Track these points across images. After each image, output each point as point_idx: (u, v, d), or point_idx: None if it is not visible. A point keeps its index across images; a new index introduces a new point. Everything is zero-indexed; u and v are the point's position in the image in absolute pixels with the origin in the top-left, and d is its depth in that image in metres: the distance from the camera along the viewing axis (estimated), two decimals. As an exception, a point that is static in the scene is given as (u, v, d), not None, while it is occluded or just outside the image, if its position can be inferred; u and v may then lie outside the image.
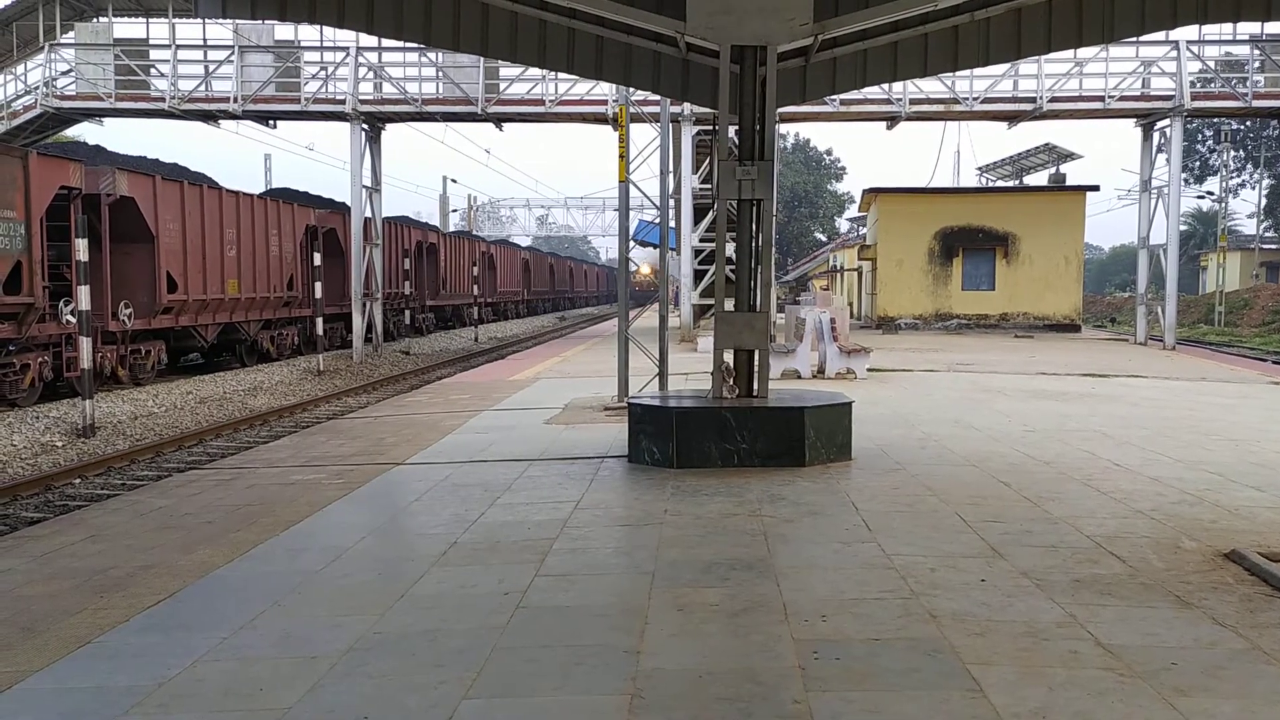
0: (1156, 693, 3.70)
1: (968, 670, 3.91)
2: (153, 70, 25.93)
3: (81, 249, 13.44)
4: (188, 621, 4.66)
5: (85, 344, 13.67)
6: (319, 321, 23.09)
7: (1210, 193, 60.69)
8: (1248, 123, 59.43)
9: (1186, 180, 56.62)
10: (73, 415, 14.21)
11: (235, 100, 24.67)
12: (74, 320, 14.30)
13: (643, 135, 60.07)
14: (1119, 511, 6.64)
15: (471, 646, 4.23)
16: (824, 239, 70.10)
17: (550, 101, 24.99)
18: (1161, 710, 3.55)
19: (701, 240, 25.31)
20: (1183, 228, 39.40)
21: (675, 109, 21.72)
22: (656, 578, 5.19)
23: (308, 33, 25.50)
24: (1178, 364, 20.62)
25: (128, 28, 27.55)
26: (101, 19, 26.46)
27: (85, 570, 5.61)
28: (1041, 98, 24.93)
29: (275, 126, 27.14)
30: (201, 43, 26.03)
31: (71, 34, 26.24)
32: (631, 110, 12.90)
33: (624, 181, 12.50)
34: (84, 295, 13.54)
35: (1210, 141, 64.89)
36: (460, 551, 5.81)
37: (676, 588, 5.02)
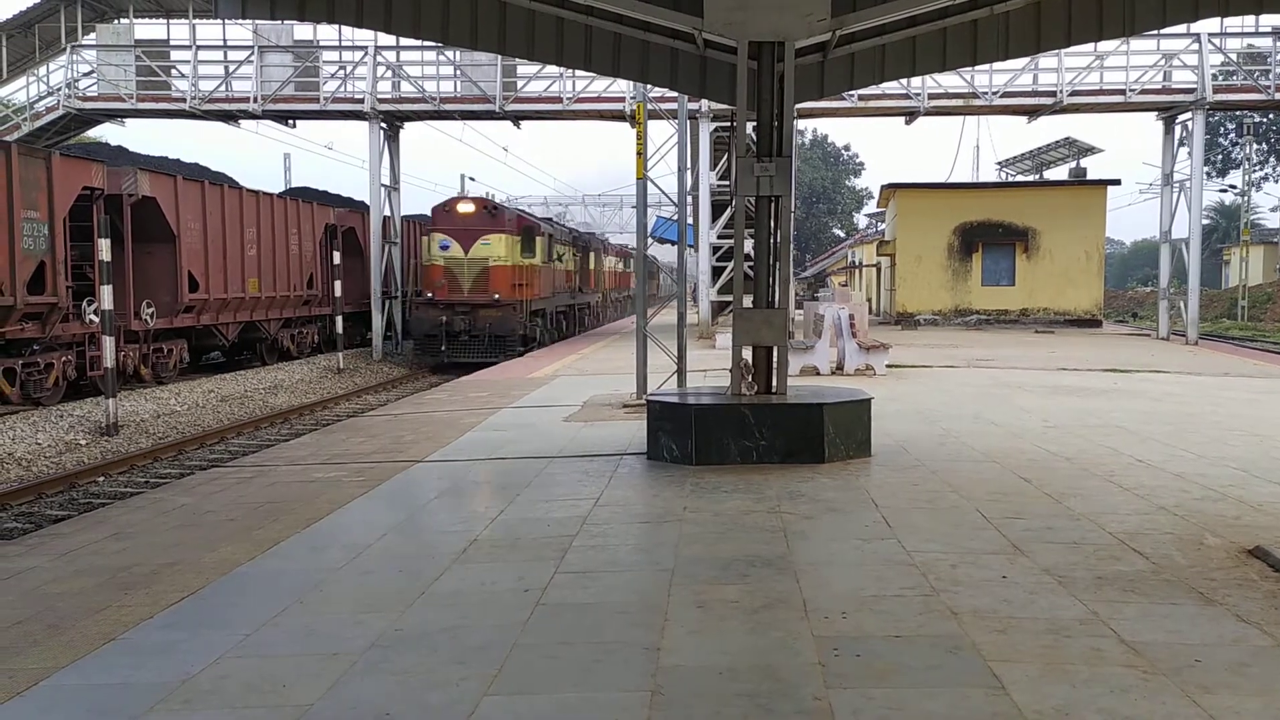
0: (1180, 690, 3.67)
1: (989, 667, 3.89)
2: (173, 71, 26.11)
3: (104, 249, 13.54)
4: (211, 619, 4.70)
5: (108, 343, 13.78)
6: (339, 320, 23.19)
7: (1233, 186, 60.12)
8: (1271, 115, 58.84)
9: (1209, 174, 56.14)
10: (96, 414, 14.34)
11: (255, 100, 24.82)
12: (97, 320, 14.41)
13: (660, 132, 59.78)
14: (1141, 508, 6.59)
15: (492, 643, 4.25)
16: (842, 235, 69.92)
17: (568, 99, 25.00)
18: (1186, 707, 3.53)
19: (720, 237, 25.26)
20: (1205, 222, 39.11)
21: (693, 105, 21.68)
22: (676, 574, 5.19)
23: (326, 32, 25.61)
24: (1200, 359, 20.45)
25: (148, 29, 27.63)
26: (122, 20, 26.63)
27: (109, 568, 5.66)
28: (1061, 91, 24.76)
29: (294, 126, 27.29)
30: (221, 43, 26.19)
31: (93, 35, 26.43)
32: (649, 107, 12.90)
33: (642, 179, 12.50)
34: (106, 295, 13.64)
35: (1233, 134, 64.27)
36: (480, 549, 5.83)
37: (696, 584, 5.02)
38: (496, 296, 23.32)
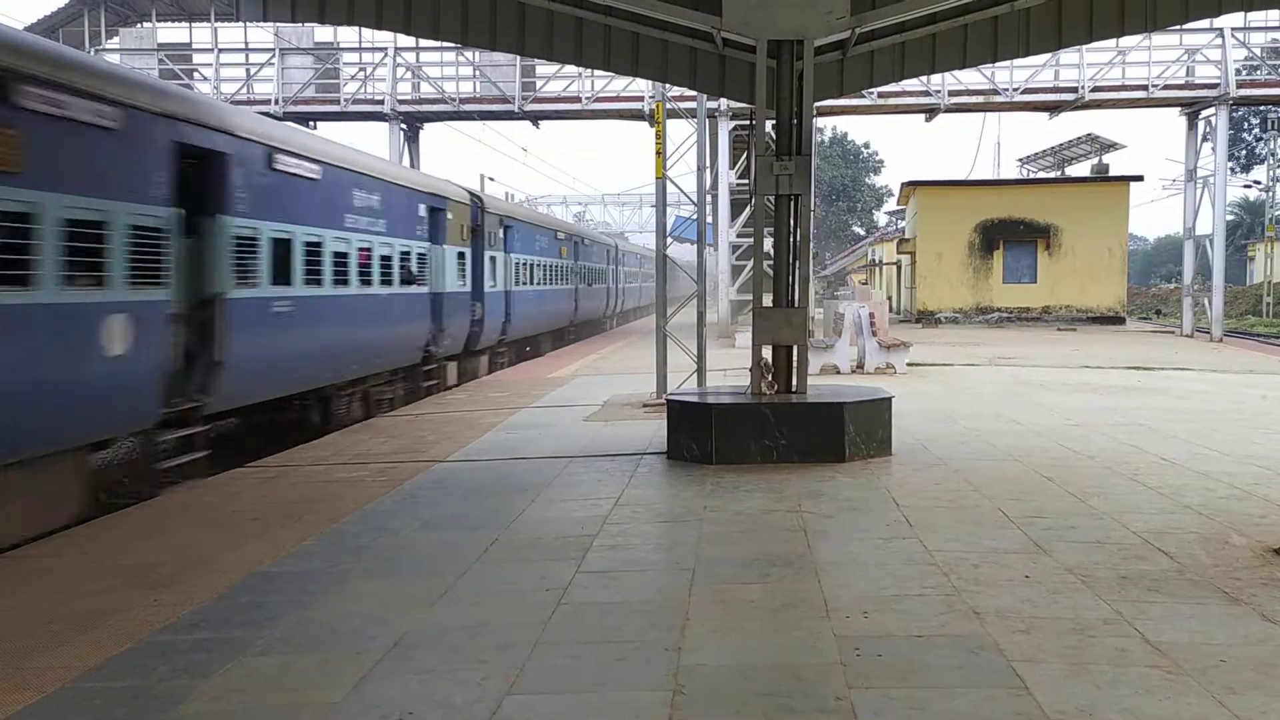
0: (1206, 690, 3.65)
1: (1012, 668, 3.88)
2: (196, 74, 26.31)
3: None
4: (236, 618, 4.73)
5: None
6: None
7: (1257, 182, 59.45)
8: (1296, 110, 58.20)
9: (1232, 169, 55.54)
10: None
11: (276, 102, 24.95)
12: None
13: (679, 131, 59.49)
14: (1166, 506, 6.55)
15: (514, 642, 4.26)
16: (862, 233, 69.61)
17: (587, 98, 25.04)
18: (1211, 708, 3.51)
19: (739, 236, 25.24)
20: (1229, 217, 38.69)
21: (711, 104, 21.66)
22: (697, 574, 5.19)
23: (347, 34, 25.77)
24: (1225, 356, 20.28)
25: (171, 32, 27.93)
26: (145, 24, 26.86)
27: (135, 568, 5.71)
28: (1083, 87, 24.62)
29: (315, 127, 27.37)
30: (243, 46, 26.36)
31: (117, 39, 26.66)
32: (668, 106, 12.90)
33: (661, 178, 12.49)
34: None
35: (1257, 129, 63.63)
36: (501, 548, 5.85)
37: (717, 584, 5.02)
38: None
